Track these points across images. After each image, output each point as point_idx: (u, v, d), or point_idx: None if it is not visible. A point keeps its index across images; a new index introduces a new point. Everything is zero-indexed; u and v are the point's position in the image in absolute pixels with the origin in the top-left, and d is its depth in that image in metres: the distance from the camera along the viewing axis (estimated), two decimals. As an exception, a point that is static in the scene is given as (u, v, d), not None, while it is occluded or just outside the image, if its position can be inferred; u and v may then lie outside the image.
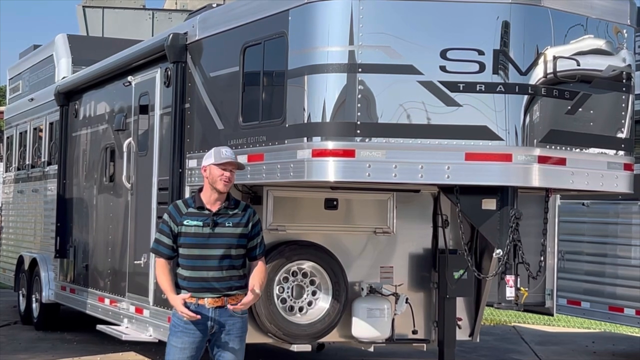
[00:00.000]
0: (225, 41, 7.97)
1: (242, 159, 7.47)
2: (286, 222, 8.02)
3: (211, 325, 5.57)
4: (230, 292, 5.60)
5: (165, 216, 5.68)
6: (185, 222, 5.59)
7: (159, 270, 5.68)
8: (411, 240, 8.58)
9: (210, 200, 5.61)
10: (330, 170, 6.83)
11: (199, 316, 5.50)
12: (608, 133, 7.40)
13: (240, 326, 5.66)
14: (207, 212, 5.59)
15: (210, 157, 5.63)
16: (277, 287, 7.94)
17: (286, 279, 8.02)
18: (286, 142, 7.06)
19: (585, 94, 7.19)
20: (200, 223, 5.56)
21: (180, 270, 5.63)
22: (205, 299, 5.56)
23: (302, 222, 8.13)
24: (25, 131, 13.76)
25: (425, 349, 8.68)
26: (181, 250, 5.61)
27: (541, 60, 6.94)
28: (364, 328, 8.16)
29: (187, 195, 8.26)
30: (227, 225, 5.59)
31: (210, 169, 5.59)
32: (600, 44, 7.36)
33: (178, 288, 5.64)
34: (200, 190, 5.69)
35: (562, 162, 7.05)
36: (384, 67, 6.81)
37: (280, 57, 7.15)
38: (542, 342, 12.72)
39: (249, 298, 5.57)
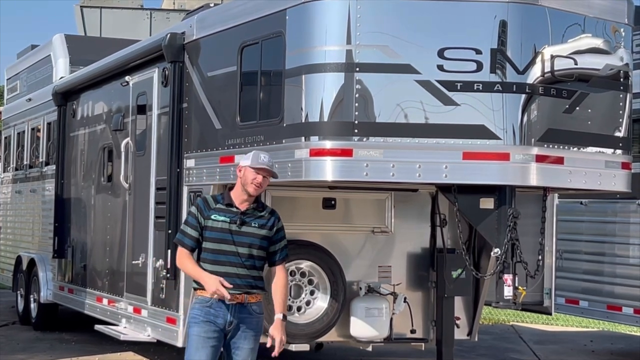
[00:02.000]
0: (222, 41, 7.97)
1: (240, 159, 7.46)
2: (284, 221, 7.90)
3: (230, 320, 5.57)
4: (251, 291, 5.61)
5: (193, 209, 5.70)
6: (212, 217, 5.60)
7: (184, 259, 5.65)
8: (409, 239, 8.58)
9: (240, 199, 5.64)
10: (328, 170, 6.83)
11: (228, 296, 5.47)
12: (606, 132, 7.41)
13: (257, 325, 5.67)
14: (235, 209, 5.62)
15: (247, 159, 5.65)
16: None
17: (284, 279, 8.00)
18: (284, 141, 7.06)
19: (583, 93, 7.19)
20: (228, 219, 5.58)
21: (203, 264, 5.63)
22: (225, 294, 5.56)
23: (300, 222, 8.12)
24: (23, 131, 13.75)
25: (423, 348, 8.68)
26: (206, 244, 5.62)
27: (539, 59, 6.94)
28: (362, 327, 8.16)
29: (185, 195, 8.27)
30: (253, 225, 5.61)
31: (245, 170, 5.62)
32: (598, 43, 7.36)
33: (198, 284, 5.63)
34: (231, 189, 5.74)
35: (559, 161, 7.06)
36: (381, 66, 6.81)
37: (278, 56, 7.14)
38: (541, 341, 12.73)
39: (278, 329, 5.59)
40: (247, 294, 5.59)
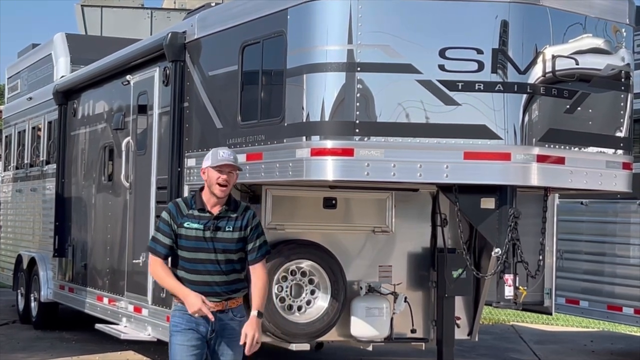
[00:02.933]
0: (224, 40, 7.97)
1: (241, 158, 7.46)
2: (285, 221, 8.01)
3: (212, 329, 5.44)
4: (231, 296, 5.48)
5: (165, 215, 5.48)
6: (185, 225, 5.40)
7: (158, 269, 5.46)
8: (410, 239, 8.58)
9: (210, 203, 5.43)
10: (329, 170, 6.83)
11: (212, 317, 5.34)
12: (607, 132, 7.41)
13: (239, 328, 5.49)
14: (208, 214, 5.42)
15: (207, 160, 5.46)
16: (276, 286, 7.93)
17: (285, 278, 8.01)
18: (285, 141, 7.06)
19: (584, 93, 7.19)
20: (202, 226, 5.39)
21: (181, 273, 5.45)
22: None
23: (301, 221, 8.12)
24: (24, 130, 13.75)
25: (423, 348, 8.67)
26: (182, 253, 5.42)
27: (540, 59, 6.94)
28: (363, 327, 8.15)
29: (186, 194, 8.26)
30: (227, 229, 5.42)
31: (207, 171, 5.42)
32: (599, 43, 7.36)
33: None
34: (202, 189, 5.52)
35: (561, 161, 7.05)
36: (382, 66, 6.80)
37: (279, 56, 7.14)
38: (541, 341, 12.73)
39: (252, 326, 5.38)
40: (228, 299, 5.45)
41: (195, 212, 5.44)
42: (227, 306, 5.45)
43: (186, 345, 5.43)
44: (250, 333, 5.37)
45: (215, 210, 5.44)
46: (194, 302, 5.32)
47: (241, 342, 5.40)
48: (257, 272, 5.52)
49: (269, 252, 5.66)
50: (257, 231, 5.52)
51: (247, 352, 5.40)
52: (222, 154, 5.45)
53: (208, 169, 5.43)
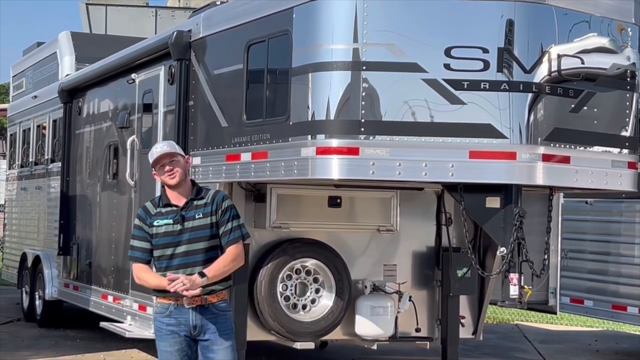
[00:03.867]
0: (229, 39, 7.97)
1: (246, 157, 7.48)
2: (290, 219, 8.02)
3: (194, 324, 5.32)
4: (213, 289, 5.31)
5: (137, 221, 5.45)
6: (155, 223, 5.36)
7: (141, 273, 5.39)
8: (415, 238, 8.59)
9: (173, 196, 5.39)
10: (334, 168, 6.83)
11: (178, 276, 5.14)
12: (612, 131, 7.40)
13: (225, 323, 5.40)
14: (174, 208, 5.36)
15: (149, 162, 5.44)
16: (281, 285, 7.95)
17: (289, 277, 8.02)
18: (290, 139, 7.06)
19: (590, 92, 7.19)
20: (171, 221, 5.33)
21: (155, 272, 5.40)
22: (184, 299, 5.27)
23: (306, 220, 8.13)
24: (29, 129, 13.76)
25: (428, 347, 8.68)
26: (157, 252, 5.36)
27: (545, 59, 6.93)
28: (367, 326, 8.16)
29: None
30: (197, 217, 5.34)
31: (156, 173, 5.42)
32: (604, 42, 7.35)
33: (155, 291, 5.41)
34: (165, 188, 5.49)
35: (566, 160, 7.05)
36: (388, 65, 6.80)
37: (285, 54, 7.14)
38: (545, 340, 12.72)
39: (192, 279, 5.15)
40: (208, 294, 5.30)
41: (163, 210, 5.41)
42: (207, 301, 5.32)
43: (169, 350, 5.37)
44: (181, 277, 5.16)
45: (181, 202, 5.39)
46: (163, 283, 5.20)
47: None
48: (228, 249, 5.37)
49: (246, 236, 5.46)
50: (229, 214, 5.40)
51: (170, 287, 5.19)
52: (155, 150, 5.43)
53: (155, 171, 5.43)
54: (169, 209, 5.40)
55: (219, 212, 5.39)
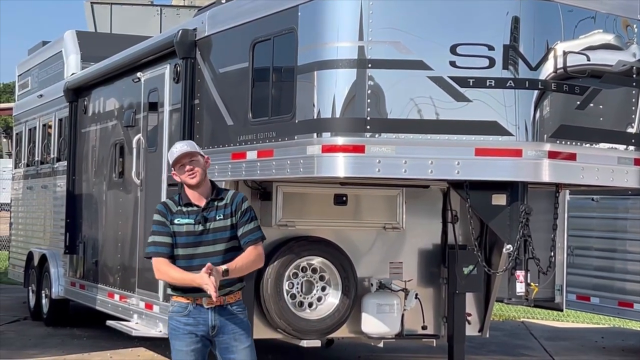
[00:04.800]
0: (234, 37, 7.98)
1: (252, 155, 7.48)
2: (295, 217, 8.02)
3: (212, 325, 5.29)
4: (230, 289, 5.31)
5: (157, 216, 5.38)
6: (176, 221, 5.32)
7: (164, 267, 5.30)
8: (421, 235, 8.59)
9: (194, 197, 5.36)
10: (340, 166, 6.82)
11: (215, 292, 5.04)
12: (618, 128, 7.39)
13: (243, 323, 5.38)
14: (195, 208, 5.33)
15: (169, 162, 5.42)
16: (287, 283, 7.95)
17: (295, 275, 8.03)
18: (296, 137, 7.06)
19: (596, 89, 7.18)
20: (192, 220, 5.30)
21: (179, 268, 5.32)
22: (203, 298, 5.24)
23: (312, 218, 8.13)
24: (35, 127, 13.78)
25: (434, 345, 8.68)
26: (177, 251, 5.31)
27: (551, 55, 6.93)
28: (374, 324, 8.16)
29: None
30: (217, 218, 5.32)
31: (175, 173, 5.39)
32: (610, 38, 7.35)
33: (173, 290, 5.39)
34: (185, 187, 5.45)
35: (572, 157, 7.04)
36: (393, 62, 6.80)
37: (290, 52, 7.14)
38: (551, 337, 12.72)
39: (218, 269, 5.11)
40: (226, 295, 5.28)
41: (184, 208, 5.37)
42: (225, 301, 5.31)
43: (184, 350, 5.32)
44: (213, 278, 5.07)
45: (202, 202, 5.37)
46: (201, 281, 5.08)
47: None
48: (248, 249, 5.35)
49: (262, 238, 5.44)
50: (248, 215, 5.39)
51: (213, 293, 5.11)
52: (175, 149, 5.40)
53: (174, 171, 5.40)
54: (190, 208, 5.37)
55: (238, 213, 5.37)
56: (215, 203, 5.38)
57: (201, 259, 5.26)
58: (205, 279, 5.07)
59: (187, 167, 5.34)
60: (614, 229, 10.90)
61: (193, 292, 5.25)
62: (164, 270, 5.33)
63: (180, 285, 5.32)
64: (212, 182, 5.49)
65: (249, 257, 5.34)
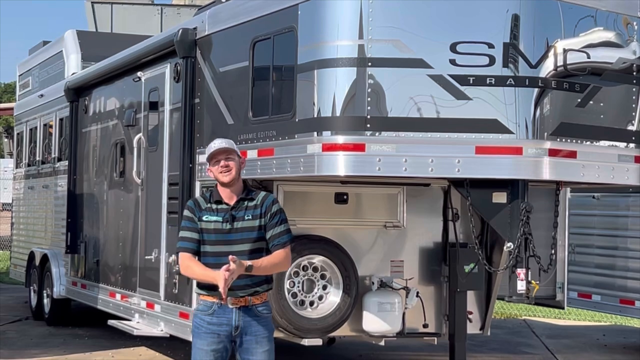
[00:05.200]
0: (234, 36, 7.98)
1: (252, 154, 7.48)
2: (296, 216, 8.00)
3: (235, 325, 5.29)
4: (255, 289, 5.32)
5: (187, 212, 5.43)
6: (204, 218, 5.35)
7: (188, 262, 5.33)
8: (421, 234, 8.58)
9: (225, 194, 5.38)
10: (341, 165, 6.82)
11: (224, 289, 5.08)
12: (619, 125, 7.40)
13: (267, 326, 5.39)
14: (225, 206, 5.36)
15: (205, 156, 5.46)
16: (288, 282, 7.95)
17: (297, 274, 8.02)
18: (296, 136, 7.07)
19: (596, 86, 7.18)
20: (220, 218, 5.33)
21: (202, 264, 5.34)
22: (229, 298, 5.25)
23: (313, 217, 8.13)
24: (36, 127, 13.79)
25: (436, 343, 8.69)
26: (205, 248, 5.34)
27: (551, 53, 6.93)
28: (375, 322, 8.16)
29: (197, 190, 8.29)
30: (246, 218, 5.34)
31: (210, 168, 5.41)
32: (610, 36, 7.35)
33: (200, 288, 5.40)
34: (217, 185, 5.47)
35: (572, 155, 7.04)
36: (393, 61, 6.80)
37: (290, 51, 7.14)
38: (553, 335, 12.72)
39: (227, 274, 5.09)
40: (251, 295, 5.31)
41: (213, 206, 5.39)
42: (250, 302, 5.32)
43: (204, 349, 5.33)
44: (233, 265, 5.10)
45: (232, 201, 5.39)
46: (219, 277, 5.10)
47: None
48: (276, 252, 5.37)
49: (292, 241, 5.47)
50: (278, 218, 5.40)
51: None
52: (212, 145, 5.42)
53: (209, 166, 5.42)
54: (219, 206, 5.38)
55: (268, 215, 5.38)
56: (246, 203, 5.39)
57: (226, 257, 5.22)
58: (220, 276, 5.09)
59: (222, 163, 5.35)
60: (615, 226, 10.90)
61: (216, 289, 5.23)
62: (187, 265, 5.37)
63: (202, 281, 5.35)
64: (244, 182, 5.51)
65: (275, 259, 5.36)
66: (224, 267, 5.11)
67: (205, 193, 5.55)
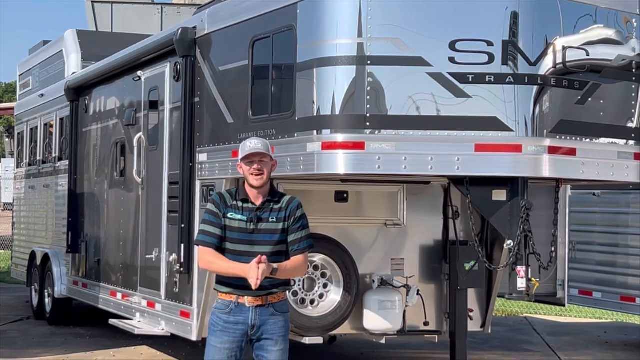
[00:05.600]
0: (234, 35, 7.98)
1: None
2: (297, 214, 8.00)
3: (252, 324, 5.29)
4: (272, 290, 5.32)
5: (211, 206, 5.38)
6: (229, 215, 5.32)
7: (211, 257, 5.30)
8: (422, 232, 8.59)
9: (252, 194, 5.34)
10: (340, 163, 6.83)
11: (258, 281, 5.08)
12: (618, 123, 7.40)
13: (283, 325, 5.39)
14: (251, 205, 5.33)
15: (239, 154, 5.39)
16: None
17: (297, 272, 8.02)
18: (296, 135, 7.07)
19: (595, 83, 7.18)
20: (245, 218, 5.30)
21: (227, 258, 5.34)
22: (246, 297, 5.26)
23: (313, 215, 7.97)
24: (36, 127, 13.80)
25: (437, 341, 8.69)
26: (226, 245, 5.33)
27: (550, 51, 6.93)
28: (376, 320, 8.17)
29: (197, 189, 8.29)
30: (270, 220, 5.32)
31: (241, 165, 5.35)
32: (609, 33, 7.35)
33: (218, 284, 5.41)
34: (244, 182, 5.43)
35: (572, 152, 7.05)
36: (393, 59, 6.80)
37: (289, 50, 7.15)
38: (554, 332, 12.72)
39: (262, 267, 5.14)
40: (269, 294, 5.31)
41: (239, 204, 5.36)
42: (267, 301, 5.31)
43: (218, 347, 5.33)
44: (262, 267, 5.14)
45: (258, 202, 5.36)
46: (250, 270, 5.13)
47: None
48: (295, 257, 5.39)
49: (311, 247, 5.47)
50: (300, 223, 5.40)
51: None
52: (249, 144, 5.36)
53: (241, 163, 5.36)
54: (245, 205, 5.36)
55: (291, 219, 5.37)
56: (271, 205, 5.38)
57: (248, 257, 5.25)
58: (252, 270, 5.11)
59: (256, 166, 5.31)
60: (616, 223, 10.90)
61: (237, 289, 5.26)
62: (210, 260, 5.35)
63: (228, 275, 5.31)
64: (271, 183, 5.48)
65: (295, 263, 5.37)
66: (255, 259, 5.12)
67: (231, 189, 5.49)
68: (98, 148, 11.12)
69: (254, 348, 5.39)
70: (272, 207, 5.37)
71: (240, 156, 5.36)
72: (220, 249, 5.34)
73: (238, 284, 5.27)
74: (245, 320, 5.31)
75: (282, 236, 5.36)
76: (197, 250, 5.44)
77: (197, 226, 7.73)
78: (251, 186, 5.35)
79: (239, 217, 5.34)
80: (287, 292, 5.53)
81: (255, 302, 5.30)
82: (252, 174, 5.31)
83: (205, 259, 5.38)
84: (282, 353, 5.39)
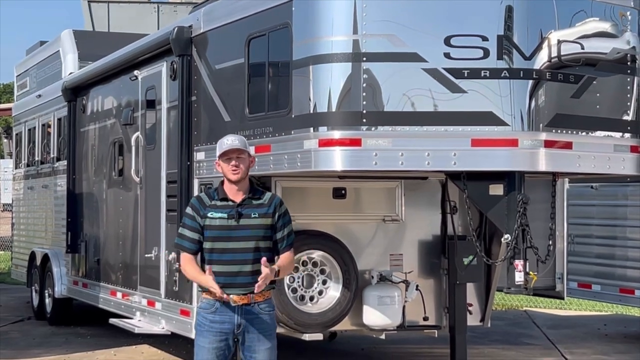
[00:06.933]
0: (229, 33, 7.99)
1: (250, 151, 7.49)
2: (295, 212, 7.90)
3: (238, 323, 5.33)
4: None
5: (189, 210, 5.44)
6: (209, 215, 5.36)
7: (188, 267, 5.42)
8: (420, 227, 8.60)
9: (232, 192, 5.39)
10: (337, 160, 6.85)
11: (226, 296, 5.23)
12: (614, 116, 7.41)
13: (269, 323, 5.43)
14: (231, 203, 5.37)
15: (216, 151, 5.47)
16: (288, 277, 7.96)
17: (296, 269, 8.03)
18: (293, 132, 7.08)
19: (590, 77, 7.20)
20: (225, 215, 5.35)
21: (205, 266, 5.38)
22: (231, 295, 5.28)
23: (311, 212, 8.15)
24: (34, 127, 13.81)
25: (436, 335, 8.71)
26: (207, 245, 5.37)
27: (545, 45, 6.95)
28: (375, 316, 8.18)
29: (196, 187, 8.31)
30: (252, 216, 5.36)
31: (219, 163, 5.41)
32: (604, 26, 7.36)
33: (200, 286, 5.44)
34: (223, 182, 5.49)
35: (568, 146, 7.06)
36: (388, 55, 6.82)
37: (285, 47, 7.16)
38: (554, 325, 12.74)
39: (264, 272, 5.21)
40: (254, 292, 5.30)
41: (219, 202, 5.41)
42: (252, 299, 5.34)
43: (206, 347, 5.37)
44: (264, 272, 5.22)
45: (238, 199, 5.40)
46: (206, 282, 5.26)
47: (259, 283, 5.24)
48: (283, 255, 5.47)
49: (294, 242, 5.58)
50: (285, 219, 5.47)
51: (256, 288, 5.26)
52: (226, 141, 5.42)
53: (219, 160, 5.42)
54: (225, 203, 5.41)
55: (276, 215, 5.43)
56: (252, 201, 5.42)
57: (232, 253, 5.33)
58: (210, 282, 5.23)
59: (233, 162, 5.38)
60: (614, 216, 10.92)
61: (221, 288, 5.26)
62: (186, 268, 5.47)
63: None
64: (250, 180, 5.53)
65: (289, 260, 5.49)
66: (263, 261, 5.22)
67: (209, 190, 5.57)
68: (96, 148, 11.13)
69: (242, 348, 5.42)
70: (253, 204, 5.42)
71: (217, 153, 5.42)
72: (198, 252, 5.43)
73: (222, 282, 5.27)
74: (231, 320, 5.35)
75: (267, 232, 5.40)
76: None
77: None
78: (230, 181, 5.40)
79: (219, 215, 5.38)
80: (273, 289, 5.54)
81: (241, 300, 5.33)
82: (230, 171, 5.38)
83: (184, 268, 5.50)
84: (270, 351, 5.42)
